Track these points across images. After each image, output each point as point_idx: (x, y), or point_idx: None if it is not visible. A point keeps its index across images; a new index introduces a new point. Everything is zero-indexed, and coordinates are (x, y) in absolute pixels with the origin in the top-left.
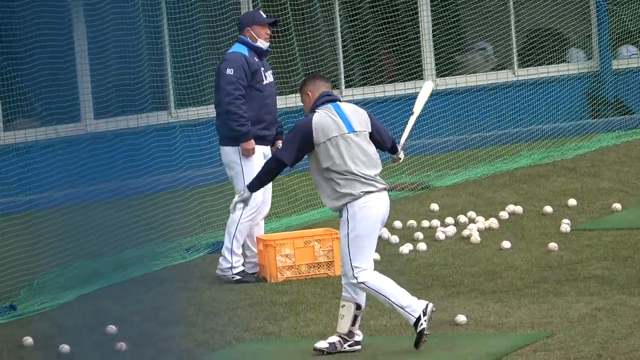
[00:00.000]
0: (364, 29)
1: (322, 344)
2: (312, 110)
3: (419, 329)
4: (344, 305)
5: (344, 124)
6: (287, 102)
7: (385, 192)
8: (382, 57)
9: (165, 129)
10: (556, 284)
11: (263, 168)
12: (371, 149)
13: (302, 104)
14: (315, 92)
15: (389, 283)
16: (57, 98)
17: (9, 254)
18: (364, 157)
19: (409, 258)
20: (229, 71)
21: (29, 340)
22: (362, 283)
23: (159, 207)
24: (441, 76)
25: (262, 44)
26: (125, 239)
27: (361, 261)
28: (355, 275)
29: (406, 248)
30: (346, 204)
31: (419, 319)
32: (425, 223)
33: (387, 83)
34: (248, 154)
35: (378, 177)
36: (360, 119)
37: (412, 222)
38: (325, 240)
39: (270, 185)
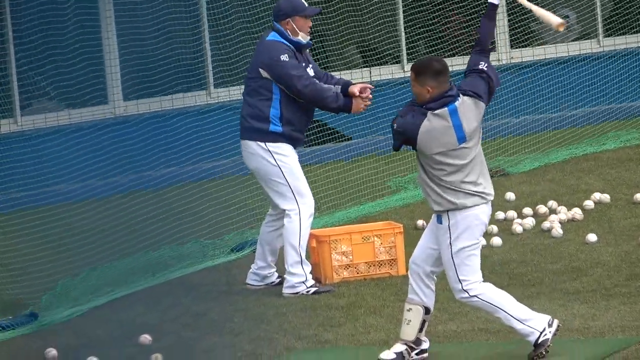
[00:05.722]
0: None
1: (387, 355)
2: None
3: (540, 340)
4: (411, 309)
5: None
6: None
7: None
8: (451, 23)
9: (204, 110)
10: None
11: None
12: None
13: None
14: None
15: (505, 295)
16: (81, 78)
17: (28, 255)
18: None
19: (483, 254)
20: (284, 57)
21: (52, 352)
22: (475, 297)
23: (198, 198)
24: (516, 47)
25: (303, 37)
26: (160, 236)
27: (469, 273)
28: (464, 289)
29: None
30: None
31: (542, 332)
32: (500, 215)
33: (457, 55)
34: (362, 109)
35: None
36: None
37: None
38: (387, 235)
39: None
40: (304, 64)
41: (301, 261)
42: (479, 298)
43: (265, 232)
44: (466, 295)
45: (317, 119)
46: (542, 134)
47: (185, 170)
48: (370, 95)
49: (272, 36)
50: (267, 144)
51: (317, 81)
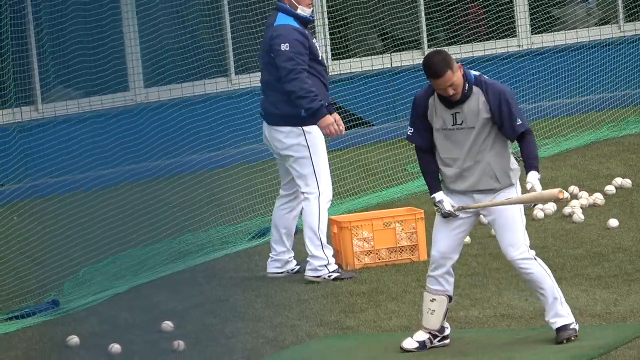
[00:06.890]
0: None
1: (410, 344)
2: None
3: (571, 327)
4: (435, 300)
5: None
6: (352, 66)
7: None
8: (470, 11)
9: (225, 97)
10: None
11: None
12: None
13: None
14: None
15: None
16: (102, 65)
17: (51, 241)
18: None
19: None
20: (284, 47)
21: (74, 339)
22: (535, 259)
23: (219, 186)
24: (537, 33)
25: (303, 11)
26: (181, 224)
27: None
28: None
29: None
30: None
31: (572, 322)
32: None
33: (476, 42)
34: (329, 130)
35: None
36: None
37: None
38: (408, 221)
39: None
40: (314, 40)
41: (322, 245)
42: (538, 262)
43: (280, 215)
44: (530, 256)
45: (339, 104)
46: (564, 119)
47: (206, 157)
48: (341, 133)
49: (279, 19)
50: (301, 127)
51: (306, 80)
